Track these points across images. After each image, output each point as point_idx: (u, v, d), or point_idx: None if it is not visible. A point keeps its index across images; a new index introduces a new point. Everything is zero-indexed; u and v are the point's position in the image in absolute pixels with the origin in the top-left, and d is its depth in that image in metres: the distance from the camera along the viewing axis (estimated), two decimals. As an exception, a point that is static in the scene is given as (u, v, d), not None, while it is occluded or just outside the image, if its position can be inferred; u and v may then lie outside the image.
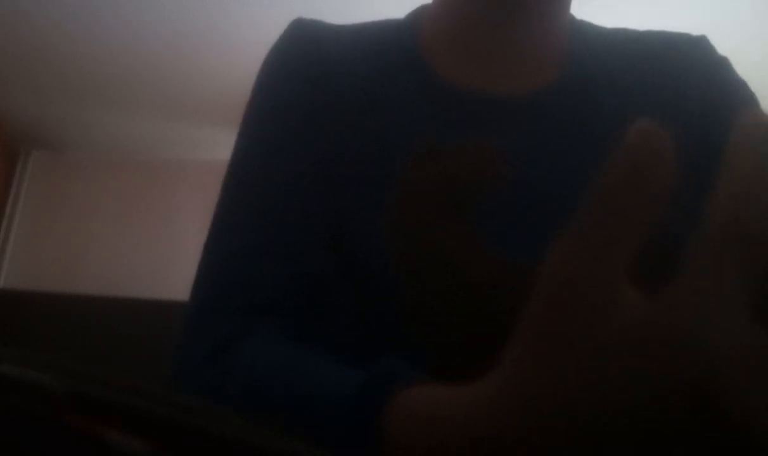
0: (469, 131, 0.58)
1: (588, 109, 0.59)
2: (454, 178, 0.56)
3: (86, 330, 1.29)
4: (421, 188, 0.55)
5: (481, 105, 0.59)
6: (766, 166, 0.24)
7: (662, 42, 0.64)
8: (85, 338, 1.28)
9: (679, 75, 0.62)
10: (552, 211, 0.54)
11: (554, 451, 0.25)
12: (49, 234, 3.94)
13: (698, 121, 0.59)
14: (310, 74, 0.62)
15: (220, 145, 3.92)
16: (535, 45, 0.61)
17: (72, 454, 0.17)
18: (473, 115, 0.59)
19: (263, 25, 2.91)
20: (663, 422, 0.24)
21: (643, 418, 0.24)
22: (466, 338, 0.52)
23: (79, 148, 4.08)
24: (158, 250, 3.86)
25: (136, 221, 3.94)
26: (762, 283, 0.23)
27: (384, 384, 0.38)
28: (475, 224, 0.55)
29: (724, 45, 0.65)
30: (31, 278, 3.81)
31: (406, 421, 0.35)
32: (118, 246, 3.89)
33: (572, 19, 0.65)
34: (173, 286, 3.62)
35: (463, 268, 0.53)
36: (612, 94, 0.60)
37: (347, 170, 0.57)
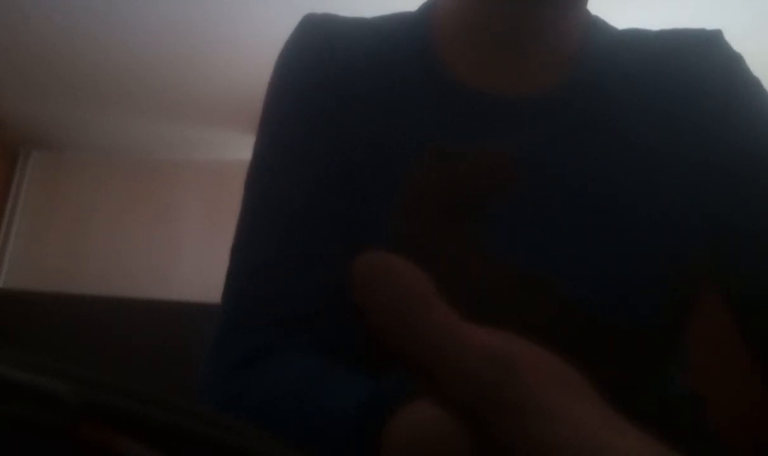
0: (479, 132, 0.57)
1: (601, 109, 0.58)
2: (462, 182, 0.54)
3: (86, 330, 1.29)
4: (428, 192, 0.54)
5: (491, 104, 0.58)
6: None
7: (677, 40, 0.63)
8: (85, 338, 1.28)
9: (695, 72, 0.60)
10: (562, 216, 0.54)
11: None
12: (49, 234, 3.95)
13: (715, 120, 0.58)
14: (322, 74, 0.61)
15: (219, 146, 3.92)
16: (549, 43, 0.59)
17: None
18: (484, 115, 0.58)
19: (264, 26, 2.91)
20: None
21: None
22: None
23: (79, 148, 4.08)
24: (158, 250, 3.86)
25: (135, 221, 3.94)
26: None
27: (384, 402, 0.37)
28: (482, 230, 0.54)
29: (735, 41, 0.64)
30: (30, 278, 3.81)
31: (405, 441, 0.34)
32: (118, 246, 3.89)
33: (588, 16, 0.63)
34: (172, 286, 3.63)
35: (467, 275, 0.52)
36: (626, 94, 0.59)
37: (359, 170, 0.57)
